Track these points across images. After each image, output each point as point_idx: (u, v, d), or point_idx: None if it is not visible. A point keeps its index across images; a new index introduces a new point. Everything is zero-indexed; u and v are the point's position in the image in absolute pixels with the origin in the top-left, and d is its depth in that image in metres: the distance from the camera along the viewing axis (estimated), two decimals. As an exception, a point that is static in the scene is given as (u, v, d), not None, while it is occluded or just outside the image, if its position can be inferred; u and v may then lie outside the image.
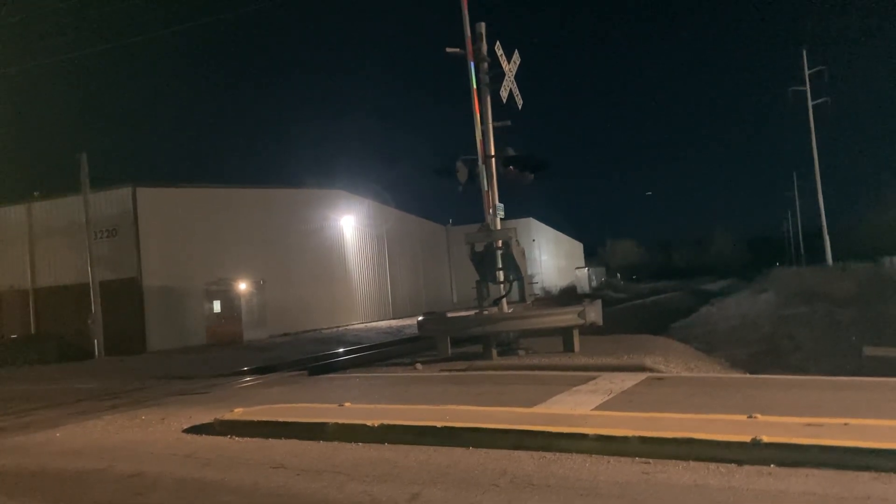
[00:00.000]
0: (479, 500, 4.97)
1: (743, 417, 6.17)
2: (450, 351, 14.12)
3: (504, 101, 14.55)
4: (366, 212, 43.70)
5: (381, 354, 18.87)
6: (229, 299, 29.49)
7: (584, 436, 5.99)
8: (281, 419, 7.89)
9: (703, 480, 4.97)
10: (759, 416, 6.13)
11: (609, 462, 5.60)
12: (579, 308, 13.46)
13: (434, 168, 15.55)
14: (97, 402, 12.37)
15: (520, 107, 14.94)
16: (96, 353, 25.46)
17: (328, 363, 17.54)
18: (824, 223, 42.39)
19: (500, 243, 14.23)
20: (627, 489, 4.93)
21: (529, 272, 15.46)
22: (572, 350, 13.33)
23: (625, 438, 5.80)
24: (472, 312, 14.67)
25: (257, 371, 16.52)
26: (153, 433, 8.59)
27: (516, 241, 14.40)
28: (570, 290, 58.61)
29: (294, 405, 9.20)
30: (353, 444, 6.96)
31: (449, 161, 14.71)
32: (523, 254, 14.69)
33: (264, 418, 8.06)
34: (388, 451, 6.60)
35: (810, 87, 42.09)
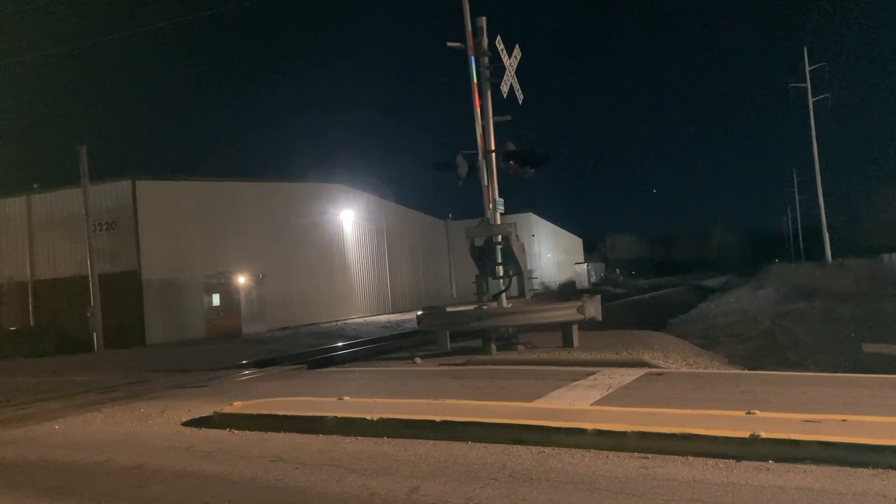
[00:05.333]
0: (477, 493, 4.97)
1: (741, 413, 6.18)
2: (449, 345, 14.13)
3: (505, 95, 14.51)
4: (365, 206, 43.63)
5: (380, 348, 18.92)
6: (228, 293, 29.48)
7: (582, 431, 6.00)
8: (280, 413, 7.90)
9: (702, 476, 4.98)
10: (757, 411, 6.15)
11: (608, 457, 5.61)
12: (578, 303, 13.48)
13: (434, 162, 15.50)
14: (96, 394, 12.38)
15: (520, 101, 14.91)
16: (95, 345, 25.45)
17: (327, 357, 17.59)
18: (824, 220, 42.50)
19: (499, 238, 14.22)
20: (626, 484, 4.94)
21: (529, 267, 15.47)
22: (571, 345, 13.35)
23: (623, 433, 5.81)
24: (471, 307, 14.67)
25: (256, 364, 16.55)
26: (152, 426, 8.61)
27: (516, 235, 14.39)
28: (569, 286, 58.89)
29: (293, 399, 9.20)
30: (353, 438, 6.97)
31: (449, 155, 14.70)
32: (523, 249, 14.68)
33: (263, 412, 8.07)
34: (387, 445, 6.61)
35: (811, 84, 42.20)
